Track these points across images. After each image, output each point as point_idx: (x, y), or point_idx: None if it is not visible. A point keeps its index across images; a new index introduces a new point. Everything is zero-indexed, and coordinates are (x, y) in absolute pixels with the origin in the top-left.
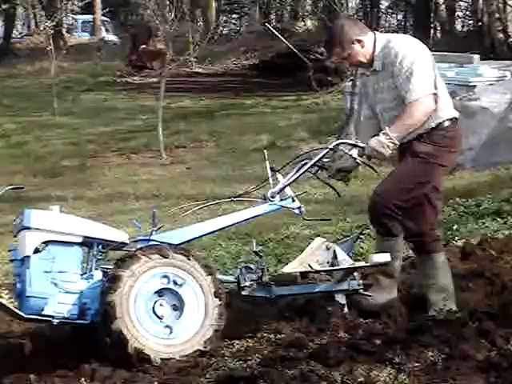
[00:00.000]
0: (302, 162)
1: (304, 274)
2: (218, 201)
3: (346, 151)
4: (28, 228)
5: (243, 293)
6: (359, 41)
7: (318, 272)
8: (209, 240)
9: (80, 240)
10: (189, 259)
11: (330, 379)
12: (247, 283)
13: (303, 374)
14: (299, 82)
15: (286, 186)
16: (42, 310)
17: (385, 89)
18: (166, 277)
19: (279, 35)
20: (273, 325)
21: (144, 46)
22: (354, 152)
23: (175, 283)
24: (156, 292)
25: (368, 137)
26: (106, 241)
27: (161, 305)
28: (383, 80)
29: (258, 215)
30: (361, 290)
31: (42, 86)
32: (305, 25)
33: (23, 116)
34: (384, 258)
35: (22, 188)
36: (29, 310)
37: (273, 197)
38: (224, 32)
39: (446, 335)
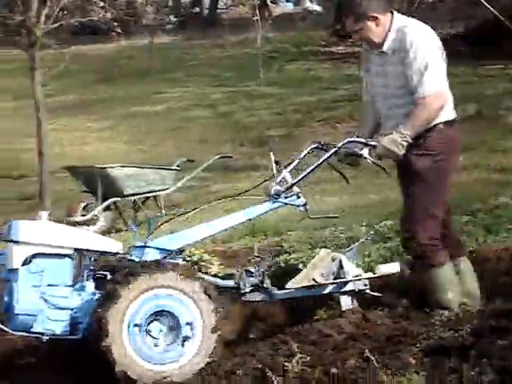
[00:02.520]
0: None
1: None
2: (220, 200)
3: (356, 150)
4: (15, 242)
5: (243, 298)
6: (375, 18)
7: (322, 285)
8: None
9: (70, 252)
10: (184, 277)
11: None
12: (248, 288)
13: None
14: (506, 50)
15: (293, 185)
16: (31, 327)
17: (390, 74)
18: (161, 297)
19: (485, 2)
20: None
21: None
22: (365, 151)
23: (171, 304)
24: (151, 314)
25: (370, 123)
26: (98, 252)
27: (156, 326)
28: (390, 64)
29: (261, 214)
30: (368, 291)
31: (247, 57)
32: None
33: (229, 86)
34: (393, 268)
35: (231, 157)
36: (17, 326)
37: (278, 194)
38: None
39: None
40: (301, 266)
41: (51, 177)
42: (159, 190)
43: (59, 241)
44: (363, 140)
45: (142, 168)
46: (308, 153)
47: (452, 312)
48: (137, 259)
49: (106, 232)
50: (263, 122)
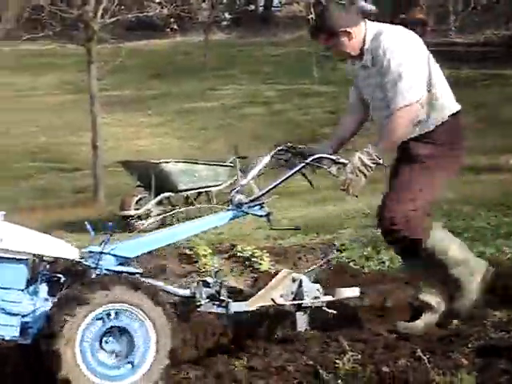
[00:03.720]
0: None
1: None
2: (180, 209)
3: (325, 167)
4: None
5: (199, 309)
6: (347, 33)
7: (280, 306)
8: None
9: (24, 257)
10: (136, 291)
11: None
12: (203, 299)
13: None
14: None
15: (257, 198)
16: None
17: (373, 86)
18: (111, 314)
19: None
20: None
21: (404, 15)
22: (334, 169)
23: (121, 319)
24: (105, 329)
25: (350, 126)
26: (53, 257)
27: (108, 343)
28: (372, 76)
29: (222, 223)
30: (324, 307)
31: (301, 55)
32: None
33: (283, 84)
34: (352, 292)
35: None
36: None
37: (241, 204)
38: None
39: None
40: (351, 264)
41: (105, 171)
42: (212, 186)
43: (13, 245)
44: (333, 157)
45: (195, 164)
46: (272, 157)
47: (504, 313)
48: (93, 265)
49: (157, 226)
50: (316, 120)
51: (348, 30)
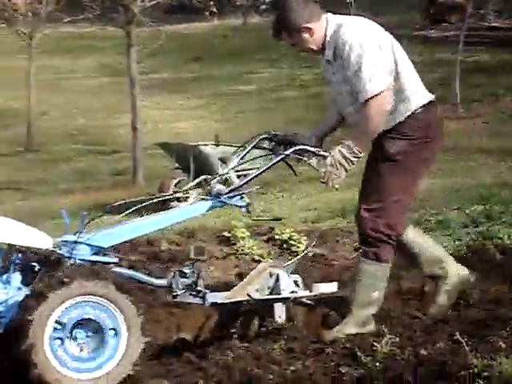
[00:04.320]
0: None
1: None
2: (155, 199)
3: (305, 159)
4: None
5: (175, 299)
6: (308, 28)
7: (256, 301)
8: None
9: None
10: (105, 282)
11: None
12: (179, 289)
13: None
14: None
15: (236, 189)
16: None
17: (340, 80)
18: (86, 304)
19: None
20: None
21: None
22: (314, 161)
23: (92, 312)
24: (76, 320)
25: (333, 119)
26: (26, 247)
27: (79, 333)
28: (337, 71)
29: (200, 213)
30: (304, 299)
31: None
32: None
33: (320, 68)
34: (330, 288)
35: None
36: None
37: (220, 194)
38: None
39: None
40: None
41: (144, 153)
42: (250, 169)
43: None
44: (313, 149)
45: (234, 146)
46: (254, 146)
47: None
48: (66, 255)
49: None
50: None
51: (309, 25)
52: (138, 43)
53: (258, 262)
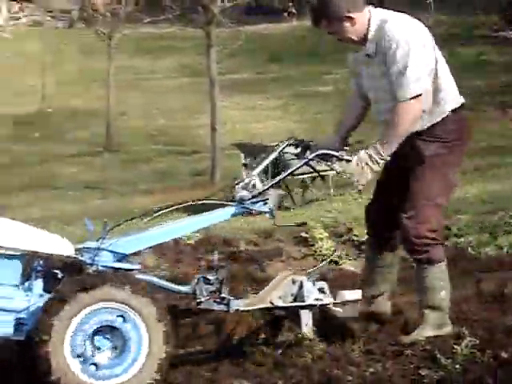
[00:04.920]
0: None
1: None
2: (182, 204)
3: (328, 163)
4: None
5: (199, 306)
6: (350, 18)
7: (279, 309)
8: None
9: (18, 252)
10: (131, 291)
11: None
12: (204, 296)
13: None
14: None
15: (260, 194)
16: None
17: (378, 76)
18: (108, 312)
19: None
20: None
21: None
22: (336, 166)
23: (115, 320)
24: (97, 327)
25: (350, 121)
26: (47, 254)
27: (101, 341)
28: (377, 66)
29: (224, 219)
30: (331, 306)
31: None
32: None
33: None
34: (355, 295)
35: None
36: None
37: (243, 200)
38: None
39: None
40: (469, 249)
41: (222, 153)
42: (328, 170)
43: (7, 241)
44: (336, 154)
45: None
46: (279, 153)
47: None
48: (88, 261)
49: (274, 209)
50: None
51: (351, 15)
52: (217, 44)
53: (336, 263)
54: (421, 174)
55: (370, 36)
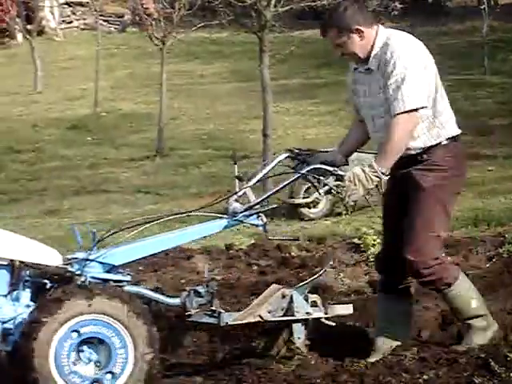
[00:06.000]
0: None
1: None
2: (172, 216)
3: (322, 178)
4: None
5: (189, 319)
6: (359, 31)
7: (268, 322)
8: None
9: (5, 262)
10: (120, 302)
11: None
12: (194, 309)
13: None
14: None
15: (252, 207)
16: None
17: (375, 92)
18: (93, 323)
19: None
20: None
21: None
22: (331, 181)
23: (101, 332)
24: (80, 342)
25: (359, 134)
26: (35, 264)
27: (86, 352)
28: (377, 81)
29: (216, 232)
30: (323, 319)
31: (472, 45)
32: None
33: (453, 74)
34: (346, 309)
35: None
36: None
37: (236, 213)
38: None
39: None
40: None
41: (273, 159)
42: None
43: None
44: (330, 169)
45: (363, 153)
46: (276, 164)
47: None
48: (77, 272)
49: (325, 215)
50: (486, 111)
51: (361, 28)
52: (270, 49)
53: None
54: (421, 208)
55: (374, 52)
